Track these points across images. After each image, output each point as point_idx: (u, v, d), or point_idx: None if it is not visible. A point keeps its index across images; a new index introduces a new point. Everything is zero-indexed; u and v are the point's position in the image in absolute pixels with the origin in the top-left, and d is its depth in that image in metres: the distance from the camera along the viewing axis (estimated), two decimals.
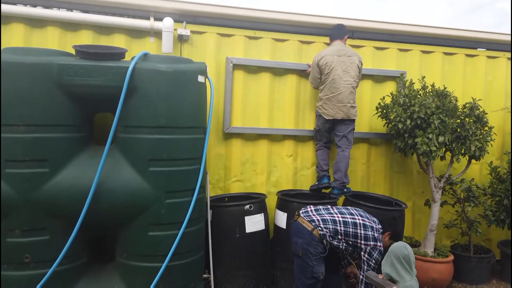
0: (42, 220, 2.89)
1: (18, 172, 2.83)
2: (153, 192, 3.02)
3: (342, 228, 3.11)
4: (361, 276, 3.15)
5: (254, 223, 3.67)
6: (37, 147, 2.85)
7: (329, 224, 3.11)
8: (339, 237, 3.10)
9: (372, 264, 3.11)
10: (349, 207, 3.36)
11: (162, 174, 3.04)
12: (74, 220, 2.82)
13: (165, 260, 3.01)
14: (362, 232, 3.11)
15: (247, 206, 3.66)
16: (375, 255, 3.10)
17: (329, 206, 3.35)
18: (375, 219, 3.28)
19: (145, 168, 3.01)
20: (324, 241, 3.07)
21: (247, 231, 3.65)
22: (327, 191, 4.19)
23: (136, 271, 3.06)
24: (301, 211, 3.29)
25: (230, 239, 3.65)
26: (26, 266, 2.86)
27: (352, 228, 3.12)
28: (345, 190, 4.08)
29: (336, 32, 4.25)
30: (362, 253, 3.11)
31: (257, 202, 3.76)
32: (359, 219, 3.17)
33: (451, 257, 4.17)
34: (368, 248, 3.09)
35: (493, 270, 4.51)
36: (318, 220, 3.13)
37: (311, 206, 3.37)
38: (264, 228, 3.79)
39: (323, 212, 3.23)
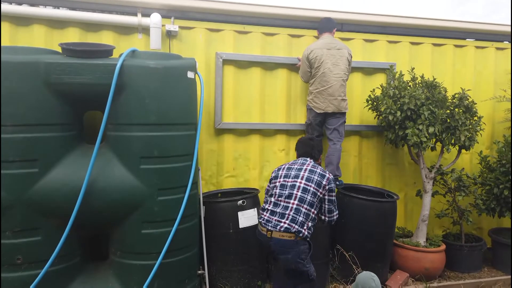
0: (34, 221, 2.86)
1: (9, 173, 2.79)
2: (146, 189, 3.01)
3: (306, 206, 3.03)
4: (326, 206, 3.16)
5: (247, 218, 3.68)
6: (27, 147, 2.81)
7: (299, 217, 2.99)
8: (310, 212, 3.04)
9: (334, 198, 3.19)
10: (285, 185, 3.16)
11: (154, 171, 3.03)
12: (67, 219, 2.79)
13: (159, 258, 3.01)
14: (312, 185, 3.09)
15: (240, 202, 3.66)
16: (332, 185, 3.17)
17: (273, 201, 3.15)
18: (302, 162, 3.28)
19: (137, 165, 3.00)
20: (308, 239, 3.03)
21: (240, 227, 3.65)
22: None
23: (130, 269, 3.06)
24: (264, 224, 3.09)
25: (224, 235, 3.65)
26: (18, 268, 2.84)
27: (307, 194, 3.06)
28: (337, 183, 4.10)
29: (325, 25, 4.24)
30: (325, 196, 3.15)
31: (250, 197, 3.77)
32: (300, 182, 3.11)
33: (443, 247, 4.22)
34: (327, 186, 3.13)
35: (484, 258, 4.57)
36: (288, 224, 2.97)
37: (264, 213, 3.16)
38: (257, 223, 3.79)
39: (280, 210, 3.07)
